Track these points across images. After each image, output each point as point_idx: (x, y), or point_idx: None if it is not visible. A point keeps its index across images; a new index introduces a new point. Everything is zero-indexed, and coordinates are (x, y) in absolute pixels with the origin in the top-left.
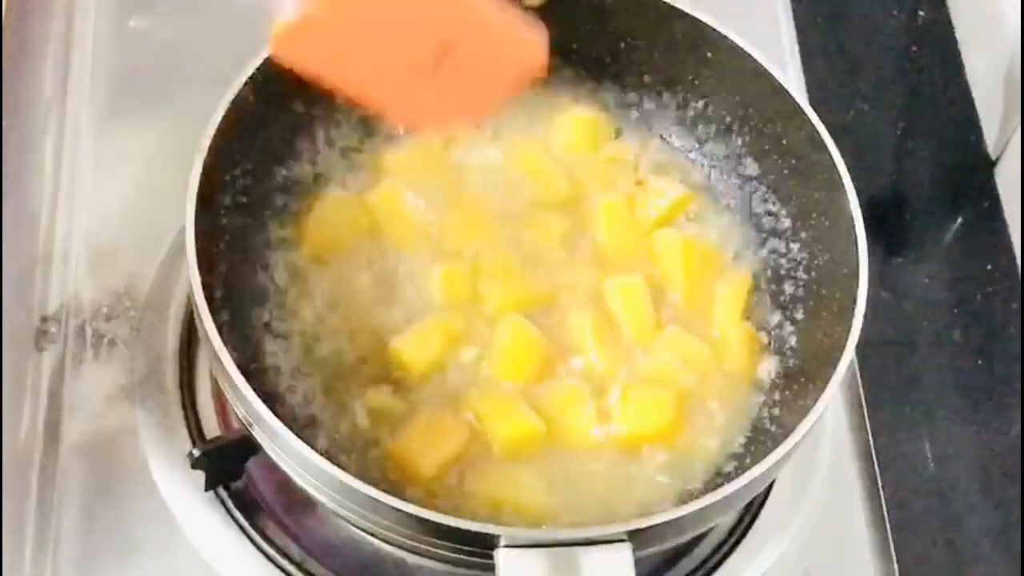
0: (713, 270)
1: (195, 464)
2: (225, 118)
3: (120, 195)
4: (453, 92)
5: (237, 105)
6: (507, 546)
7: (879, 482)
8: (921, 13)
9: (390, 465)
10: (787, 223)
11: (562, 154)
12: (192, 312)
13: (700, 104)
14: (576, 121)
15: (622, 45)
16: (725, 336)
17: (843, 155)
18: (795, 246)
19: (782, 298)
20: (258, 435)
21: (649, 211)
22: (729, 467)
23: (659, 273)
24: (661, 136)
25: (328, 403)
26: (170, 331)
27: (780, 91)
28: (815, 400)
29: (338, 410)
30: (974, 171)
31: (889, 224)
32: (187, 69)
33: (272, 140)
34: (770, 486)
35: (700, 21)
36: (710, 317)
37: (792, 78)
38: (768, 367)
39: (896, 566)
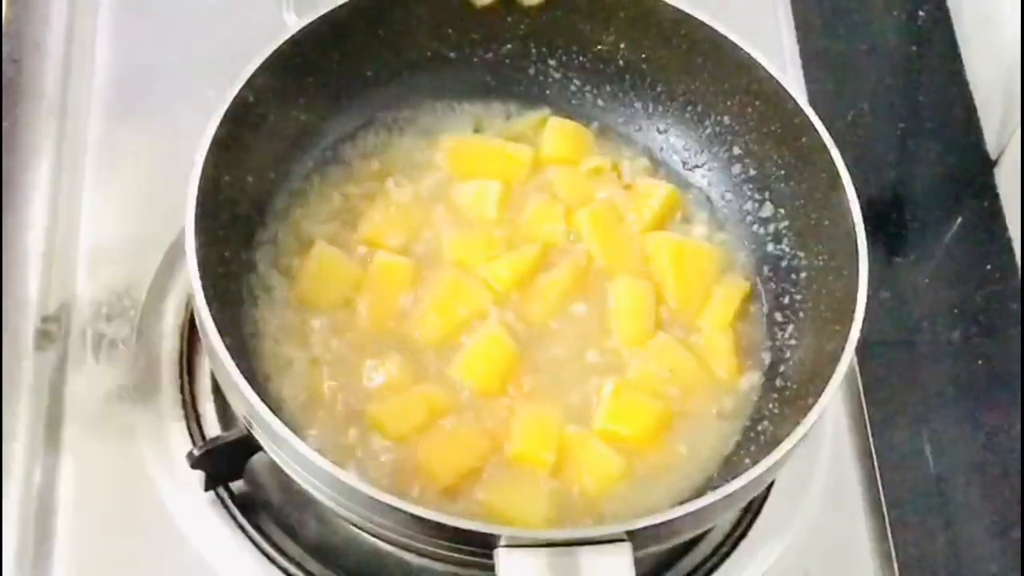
0: (708, 273)
1: (195, 464)
2: (225, 119)
3: (120, 195)
4: None
5: (237, 106)
6: (507, 546)
7: (879, 482)
8: (921, 13)
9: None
10: (786, 223)
11: (547, 165)
12: (192, 312)
13: (699, 105)
14: (561, 130)
15: (621, 46)
16: (712, 342)
17: (843, 155)
18: (794, 246)
19: (782, 299)
20: (258, 435)
21: (642, 213)
22: (728, 467)
23: (653, 277)
24: (658, 138)
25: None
26: (170, 331)
27: (780, 91)
28: (815, 400)
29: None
30: (974, 171)
31: (889, 224)
32: (188, 70)
33: (272, 141)
34: (770, 486)
35: (700, 21)
36: (700, 321)
37: (792, 78)
38: (763, 370)
39: (896, 566)
